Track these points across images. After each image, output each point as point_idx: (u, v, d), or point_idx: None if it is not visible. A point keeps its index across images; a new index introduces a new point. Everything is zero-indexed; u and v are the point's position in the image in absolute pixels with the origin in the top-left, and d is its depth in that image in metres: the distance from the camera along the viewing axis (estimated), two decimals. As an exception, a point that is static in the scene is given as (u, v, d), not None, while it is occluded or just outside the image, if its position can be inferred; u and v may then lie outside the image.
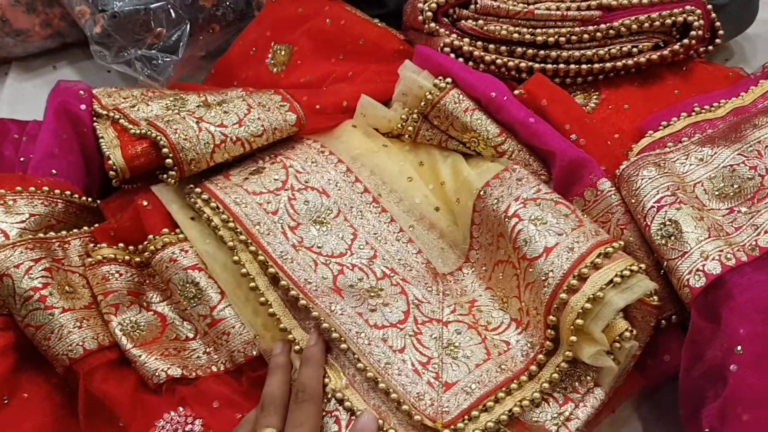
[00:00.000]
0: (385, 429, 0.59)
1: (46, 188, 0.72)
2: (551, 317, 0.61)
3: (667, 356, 0.64)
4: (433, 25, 0.81)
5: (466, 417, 0.60)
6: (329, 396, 0.61)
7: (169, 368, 0.64)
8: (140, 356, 0.64)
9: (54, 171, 0.75)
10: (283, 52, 0.91)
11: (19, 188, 0.71)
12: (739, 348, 0.57)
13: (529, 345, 0.64)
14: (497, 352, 0.64)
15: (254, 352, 0.65)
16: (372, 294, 0.66)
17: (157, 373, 0.63)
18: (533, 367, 0.62)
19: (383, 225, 0.71)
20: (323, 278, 0.65)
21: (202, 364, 0.65)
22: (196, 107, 0.75)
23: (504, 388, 0.61)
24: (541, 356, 0.62)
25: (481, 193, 0.69)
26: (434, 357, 0.63)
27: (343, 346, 0.63)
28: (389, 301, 0.66)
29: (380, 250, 0.69)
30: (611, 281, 0.59)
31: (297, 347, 0.63)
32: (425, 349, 0.63)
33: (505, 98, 0.72)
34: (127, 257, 0.69)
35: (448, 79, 0.74)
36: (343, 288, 0.65)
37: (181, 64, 0.95)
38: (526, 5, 0.79)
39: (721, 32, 0.85)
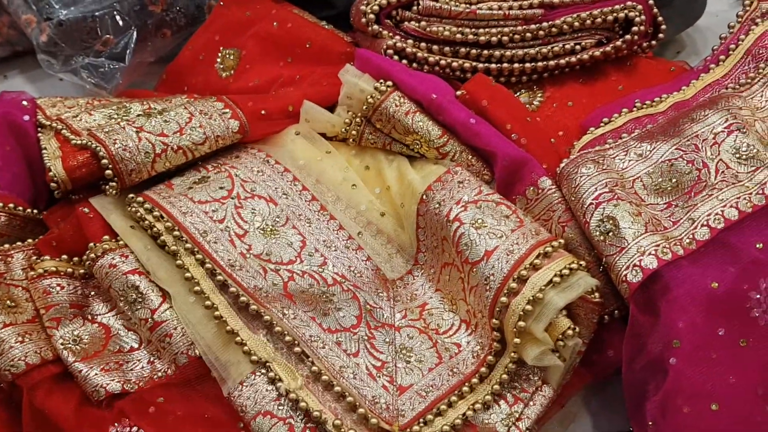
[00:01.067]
0: (342, 430, 0.59)
1: None
2: (495, 320, 0.62)
3: (611, 351, 0.65)
4: (375, 27, 0.81)
5: (421, 420, 0.60)
6: (281, 401, 0.61)
7: (108, 384, 0.63)
8: (82, 371, 0.64)
9: (-2, 187, 0.74)
10: (231, 57, 0.91)
11: None
12: (676, 342, 0.57)
13: (479, 346, 0.64)
14: (448, 355, 0.64)
15: (197, 353, 0.64)
16: (324, 299, 0.66)
17: (97, 390, 0.63)
18: (483, 369, 0.62)
19: (332, 233, 0.71)
20: (273, 284, 0.65)
21: (145, 376, 0.65)
22: (136, 116, 0.74)
23: (456, 392, 0.62)
24: (490, 357, 0.63)
25: (424, 197, 0.69)
26: (388, 361, 0.63)
27: (297, 349, 0.63)
28: (342, 306, 0.66)
29: (330, 257, 0.69)
30: (550, 281, 0.60)
31: (245, 348, 0.63)
32: (379, 354, 0.64)
33: (446, 99, 0.72)
34: (70, 269, 0.68)
35: (389, 82, 0.74)
36: (295, 293, 0.65)
37: (129, 70, 0.94)
38: (468, 5, 0.79)
39: (663, 27, 0.86)
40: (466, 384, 0.62)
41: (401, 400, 0.61)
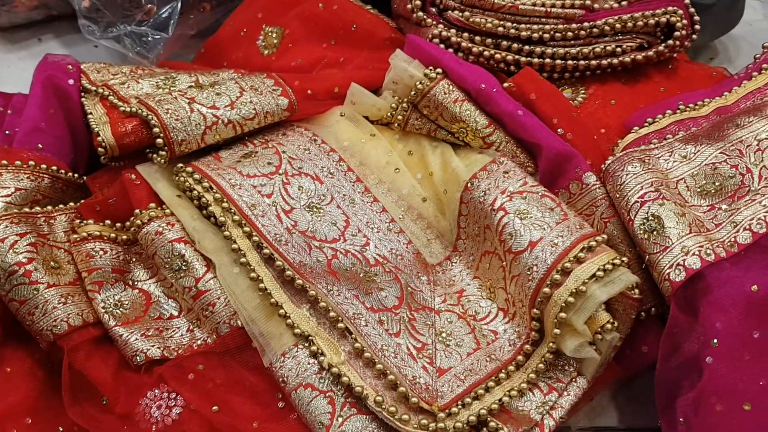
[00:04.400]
0: (383, 406, 0.60)
1: (32, 162, 0.71)
2: (535, 310, 0.63)
3: (645, 347, 0.66)
4: (420, 14, 0.81)
5: (459, 402, 0.61)
6: (323, 375, 0.61)
7: (149, 349, 0.64)
8: (122, 335, 0.64)
9: (40, 145, 0.74)
10: (274, 35, 0.91)
11: (4, 162, 0.70)
12: (715, 341, 0.58)
13: (515, 335, 0.65)
14: (486, 341, 0.65)
15: (239, 323, 0.64)
16: (367, 279, 0.66)
17: (137, 354, 0.64)
18: (520, 357, 0.63)
19: (375, 214, 0.71)
20: (318, 261, 0.66)
21: (184, 343, 0.66)
22: (188, 87, 0.75)
23: (494, 377, 0.63)
24: (527, 347, 0.64)
25: (469, 185, 0.70)
26: (428, 343, 0.64)
27: (341, 325, 0.63)
28: (384, 286, 0.66)
29: (372, 238, 0.70)
30: (594, 275, 0.61)
31: (289, 321, 0.63)
32: (419, 335, 0.64)
33: (495, 90, 0.72)
34: (113, 234, 0.69)
35: (439, 70, 0.75)
36: (338, 271, 0.66)
37: (170, 42, 0.94)
38: (511, 0, 0.80)
39: (697, 27, 0.86)
40: (503, 370, 0.63)
41: (440, 382, 0.62)
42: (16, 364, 0.65)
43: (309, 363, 0.62)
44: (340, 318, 0.64)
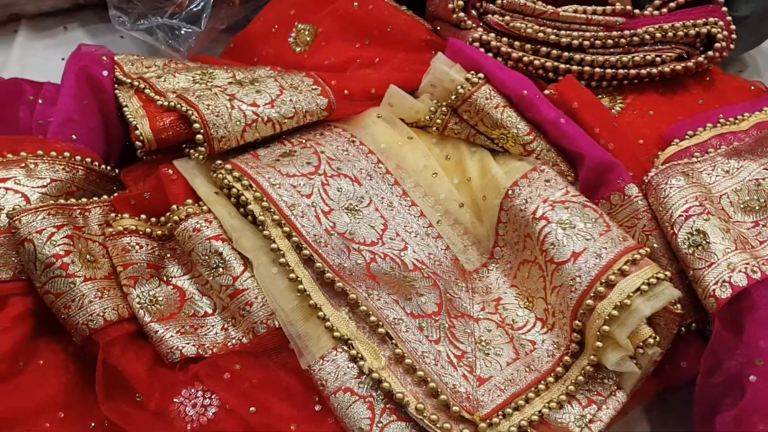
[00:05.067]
0: (425, 414, 0.59)
1: (67, 153, 0.71)
2: (577, 322, 0.62)
3: (684, 362, 0.66)
4: (462, 14, 0.80)
5: (500, 413, 0.61)
6: (362, 380, 0.61)
7: (184, 347, 0.64)
8: (158, 332, 0.64)
9: (74, 137, 0.73)
10: (306, 32, 0.90)
11: (40, 152, 0.70)
12: (760, 360, 0.58)
13: (554, 345, 0.64)
14: (524, 351, 0.65)
15: (276, 323, 0.64)
16: (406, 283, 0.66)
17: (172, 351, 0.63)
18: (559, 369, 0.63)
19: (413, 218, 0.71)
20: (357, 264, 0.65)
21: (219, 342, 0.65)
22: (227, 84, 0.74)
23: (533, 388, 0.62)
24: (566, 358, 0.63)
25: (509, 192, 0.69)
26: (468, 352, 0.64)
27: (381, 330, 0.63)
28: (423, 291, 0.66)
29: (411, 242, 0.69)
30: (638, 289, 0.61)
31: (328, 324, 0.63)
32: (459, 343, 0.64)
33: (537, 97, 0.72)
34: (148, 229, 0.68)
35: (480, 74, 0.74)
36: (378, 275, 0.65)
37: (202, 36, 0.93)
38: (552, 6, 0.79)
39: (734, 36, 0.85)
40: (543, 381, 0.63)
41: (480, 391, 0.62)
42: (50, 357, 0.64)
43: (348, 367, 0.61)
44: (380, 323, 0.63)
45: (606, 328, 0.60)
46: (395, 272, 0.66)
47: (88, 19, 1.06)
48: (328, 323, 0.62)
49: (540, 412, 0.61)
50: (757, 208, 0.66)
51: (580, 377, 0.62)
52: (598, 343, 0.61)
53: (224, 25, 0.98)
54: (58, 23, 1.05)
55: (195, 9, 0.92)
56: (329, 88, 0.75)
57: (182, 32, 0.91)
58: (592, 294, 0.61)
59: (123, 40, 1.02)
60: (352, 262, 0.65)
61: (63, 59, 1.00)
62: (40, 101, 0.80)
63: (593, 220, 0.65)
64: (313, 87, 0.74)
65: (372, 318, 0.63)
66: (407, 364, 0.62)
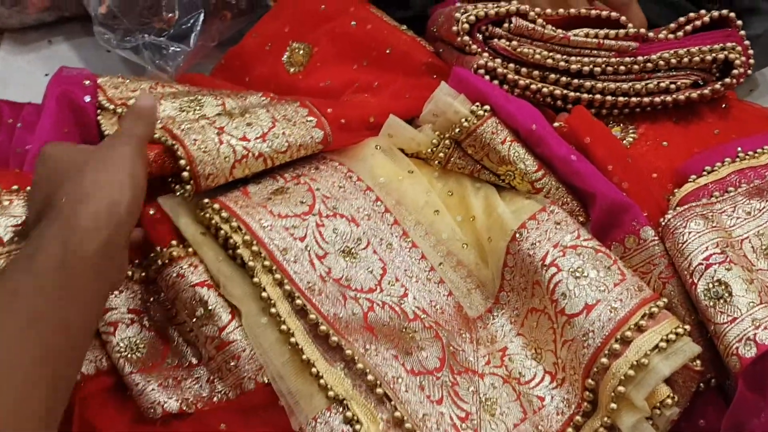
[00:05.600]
0: None
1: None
2: (590, 380, 0.58)
3: (702, 421, 0.62)
4: (467, 38, 0.76)
5: None
6: None
7: (166, 402, 0.59)
8: (139, 384, 0.60)
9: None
10: (301, 52, 0.86)
11: (15, 187, 0.65)
12: (786, 425, 0.54)
13: (564, 403, 0.60)
14: (532, 409, 0.61)
15: (265, 379, 0.59)
16: (406, 336, 0.61)
17: (153, 406, 0.59)
18: (570, 430, 0.59)
19: (414, 261, 0.66)
20: (353, 314, 0.61)
21: (204, 396, 0.61)
22: (215, 115, 0.69)
23: None
24: (578, 418, 0.59)
25: (517, 235, 0.65)
26: (472, 412, 0.60)
27: (379, 390, 0.58)
28: (424, 345, 0.61)
29: (411, 288, 0.64)
30: (656, 346, 0.57)
31: (322, 381, 0.58)
32: (463, 403, 0.60)
33: (547, 131, 0.68)
34: (129, 272, 0.64)
35: (486, 107, 0.70)
36: (376, 326, 0.61)
37: (191, 54, 0.89)
38: (562, 30, 0.75)
39: (752, 61, 0.82)
40: None
41: None
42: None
43: (343, 430, 0.57)
44: (378, 382, 0.59)
45: (621, 389, 0.56)
46: (394, 323, 0.61)
47: (74, 32, 1.02)
48: (321, 381, 0.58)
49: None
50: (781, 254, 0.62)
51: None
52: (613, 405, 0.57)
53: (215, 42, 0.94)
54: (42, 37, 1.02)
55: (184, 27, 0.88)
56: (325, 118, 0.70)
57: (170, 51, 0.87)
58: (606, 351, 0.57)
59: (109, 54, 0.98)
60: (348, 312, 0.61)
61: (47, 75, 0.96)
62: (19, 125, 0.76)
63: (607, 267, 0.61)
64: (308, 119, 0.69)
65: (369, 377, 0.59)
66: (407, 429, 0.57)
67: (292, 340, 0.59)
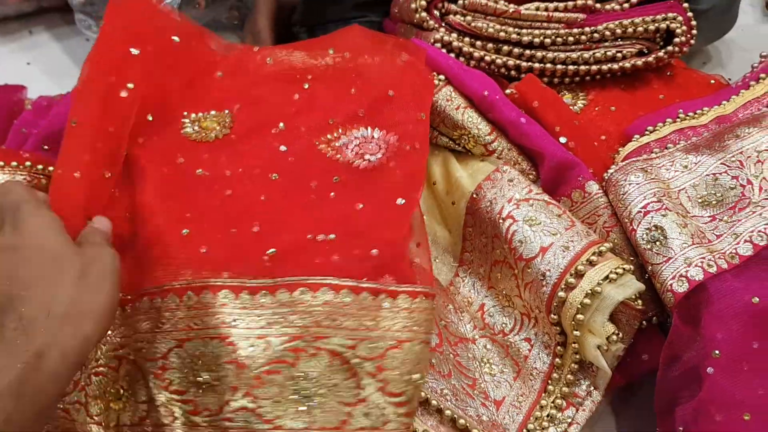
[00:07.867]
0: None
1: (28, 163, 0.70)
2: (553, 315, 0.62)
3: (645, 355, 0.67)
4: (424, 14, 0.80)
5: (524, 430, 0.61)
6: None
7: None
8: None
9: (46, 147, 0.73)
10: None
11: (1, 162, 0.69)
12: (716, 352, 0.59)
13: (544, 343, 0.65)
14: (523, 357, 0.65)
15: None
16: None
17: None
18: (558, 360, 0.64)
19: None
20: None
21: None
22: None
23: (544, 394, 0.63)
24: (559, 348, 0.64)
25: (474, 195, 0.70)
26: (477, 378, 0.63)
27: None
28: None
29: None
30: (607, 277, 0.61)
31: None
32: (467, 371, 0.63)
33: (497, 98, 0.72)
34: None
35: (441, 76, 0.74)
36: None
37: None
38: (513, 5, 0.80)
39: (694, 32, 0.86)
40: (549, 383, 0.63)
41: (500, 415, 0.62)
42: None
43: None
44: None
45: (580, 317, 0.60)
46: None
47: (54, 22, 1.05)
48: None
49: (549, 415, 0.62)
50: (714, 202, 0.67)
51: (570, 376, 0.63)
52: (576, 332, 0.61)
53: (189, 27, 0.98)
54: (22, 27, 1.05)
55: (160, 11, 0.92)
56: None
57: (147, 35, 0.90)
58: (563, 286, 0.61)
59: (88, 42, 1.02)
60: None
61: (29, 63, 1.00)
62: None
63: (558, 215, 0.66)
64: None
65: None
66: (434, 406, 0.59)
67: None
